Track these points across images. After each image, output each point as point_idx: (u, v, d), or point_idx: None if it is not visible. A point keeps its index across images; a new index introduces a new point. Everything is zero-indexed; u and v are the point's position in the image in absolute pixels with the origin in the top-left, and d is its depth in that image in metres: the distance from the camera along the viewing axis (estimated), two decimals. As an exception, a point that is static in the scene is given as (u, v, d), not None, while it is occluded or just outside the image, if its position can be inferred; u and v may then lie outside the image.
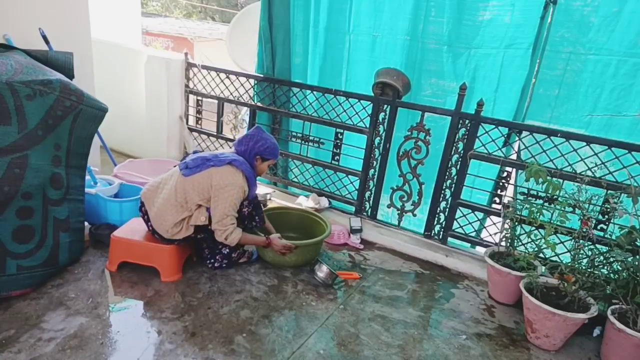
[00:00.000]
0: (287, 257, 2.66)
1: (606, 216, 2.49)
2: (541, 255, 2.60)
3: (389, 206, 3.31)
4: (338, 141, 3.40)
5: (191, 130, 4.22)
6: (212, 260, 2.62)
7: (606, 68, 2.55)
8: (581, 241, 2.33)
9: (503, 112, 2.94)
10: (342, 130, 3.35)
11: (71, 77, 2.46)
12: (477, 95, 2.90)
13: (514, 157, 2.88)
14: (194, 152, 2.59)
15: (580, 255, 2.35)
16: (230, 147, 2.68)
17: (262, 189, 3.72)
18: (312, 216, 3.11)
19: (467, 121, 2.83)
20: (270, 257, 2.72)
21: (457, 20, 2.99)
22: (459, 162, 2.90)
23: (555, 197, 2.53)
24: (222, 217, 2.37)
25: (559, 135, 2.57)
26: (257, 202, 2.73)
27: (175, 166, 2.55)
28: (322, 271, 2.58)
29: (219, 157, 2.42)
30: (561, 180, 2.49)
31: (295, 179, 3.73)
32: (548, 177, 2.36)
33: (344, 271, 2.80)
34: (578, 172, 2.49)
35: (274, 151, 2.58)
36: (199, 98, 4.10)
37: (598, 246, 2.36)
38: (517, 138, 2.80)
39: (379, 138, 3.19)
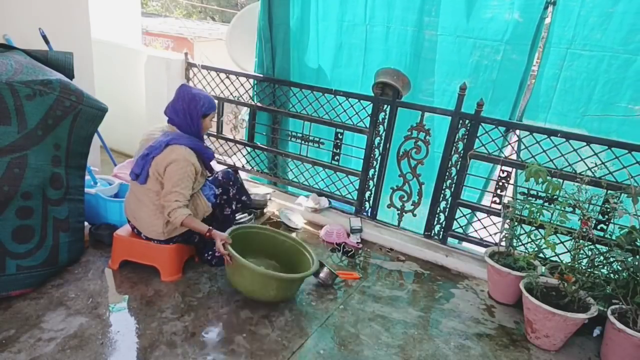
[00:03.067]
0: (268, 291, 2.24)
1: (606, 216, 2.49)
2: (541, 255, 2.60)
3: (389, 206, 3.31)
4: (338, 141, 3.40)
5: (191, 130, 4.21)
6: (210, 252, 2.61)
7: (600, 63, 2.68)
8: (581, 241, 2.33)
9: (502, 107, 3.00)
10: (342, 130, 3.35)
11: (71, 77, 2.46)
12: (477, 93, 2.92)
13: (512, 156, 2.88)
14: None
15: (580, 255, 2.35)
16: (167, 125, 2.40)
17: (262, 189, 3.73)
18: (300, 248, 2.58)
19: (467, 121, 2.83)
20: (247, 289, 2.26)
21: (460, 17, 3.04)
22: (459, 162, 2.90)
23: (555, 197, 2.53)
24: (167, 193, 2.20)
25: (559, 135, 2.58)
26: (241, 183, 2.68)
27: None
28: (322, 271, 2.58)
29: (154, 146, 2.24)
30: (561, 180, 2.49)
31: (295, 179, 3.73)
32: (548, 177, 2.36)
33: (344, 271, 2.80)
34: (578, 172, 2.49)
35: (212, 103, 2.36)
36: (199, 98, 4.10)
37: (598, 246, 2.36)
38: (516, 137, 2.82)
39: (379, 138, 3.18)
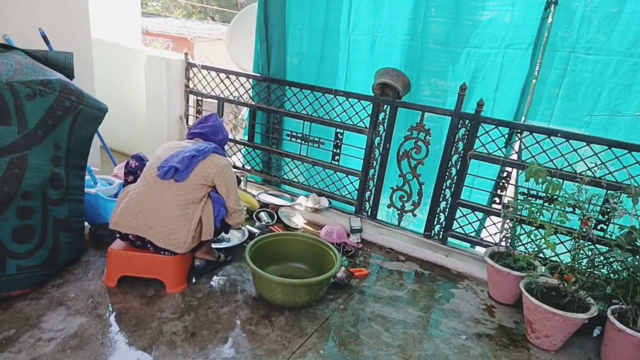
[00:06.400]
0: (299, 297, 2.30)
1: (606, 216, 2.49)
2: (541, 255, 2.60)
3: (389, 206, 3.31)
4: (338, 141, 3.40)
5: (191, 130, 4.22)
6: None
7: (606, 68, 2.58)
8: (581, 241, 2.33)
9: (503, 112, 2.95)
10: (342, 130, 3.35)
11: (71, 77, 2.46)
12: (477, 95, 2.90)
13: (514, 157, 2.88)
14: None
15: (580, 255, 2.35)
16: (192, 139, 2.55)
17: (275, 199, 3.61)
18: (322, 246, 2.65)
19: (467, 121, 2.83)
20: (280, 298, 2.29)
21: (456, 20, 3.00)
22: (459, 162, 2.90)
23: (555, 197, 2.53)
24: (237, 197, 2.40)
25: (559, 135, 2.57)
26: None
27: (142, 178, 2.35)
28: (340, 271, 2.57)
29: (200, 150, 2.32)
30: (561, 180, 2.49)
31: (295, 179, 3.73)
32: (548, 177, 2.36)
33: (353, 269, 2.79)
34: (578, 172, 2.49)
35: None
36: (199, 98, 4.10)
37: (598, 246, 2.36)
38: (517, 138, 2.81)
39: (379, 138, 3.18)
